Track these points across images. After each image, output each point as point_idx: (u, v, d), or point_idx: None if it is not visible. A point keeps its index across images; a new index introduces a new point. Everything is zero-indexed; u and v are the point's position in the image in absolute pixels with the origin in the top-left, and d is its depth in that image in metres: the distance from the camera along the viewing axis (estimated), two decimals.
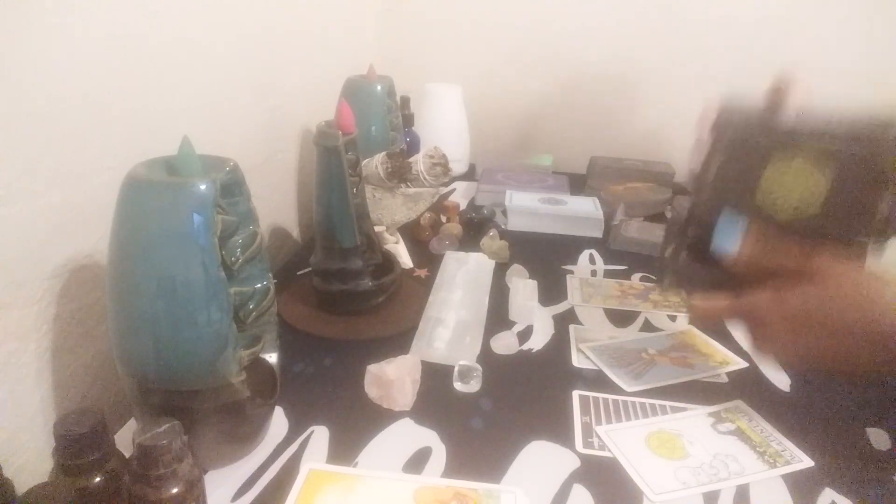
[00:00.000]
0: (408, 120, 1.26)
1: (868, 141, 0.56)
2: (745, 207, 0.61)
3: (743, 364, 0.73)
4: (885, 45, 1.34)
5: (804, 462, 0.57)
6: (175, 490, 0.40)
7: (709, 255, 0.62)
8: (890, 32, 1.33)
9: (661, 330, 0.80)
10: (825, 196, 0.58)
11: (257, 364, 0.55)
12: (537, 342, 0.76)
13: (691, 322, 0.71)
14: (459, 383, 0.66)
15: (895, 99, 0.55)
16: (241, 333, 0.50)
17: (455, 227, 1.05)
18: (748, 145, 0.60)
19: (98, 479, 0.42)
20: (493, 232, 1.03)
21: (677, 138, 1.49)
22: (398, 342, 0.73)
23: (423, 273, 0.92)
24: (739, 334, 0.71)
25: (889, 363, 0.52)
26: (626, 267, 0.98)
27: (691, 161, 0.65)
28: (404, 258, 0.93)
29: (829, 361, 0.55)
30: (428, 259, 0.96)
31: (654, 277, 0.95)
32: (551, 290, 0.89)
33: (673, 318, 0.83)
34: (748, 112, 0.61)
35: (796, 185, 0.59)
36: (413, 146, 1.23)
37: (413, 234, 1.02)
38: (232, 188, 0.50)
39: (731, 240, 0.61)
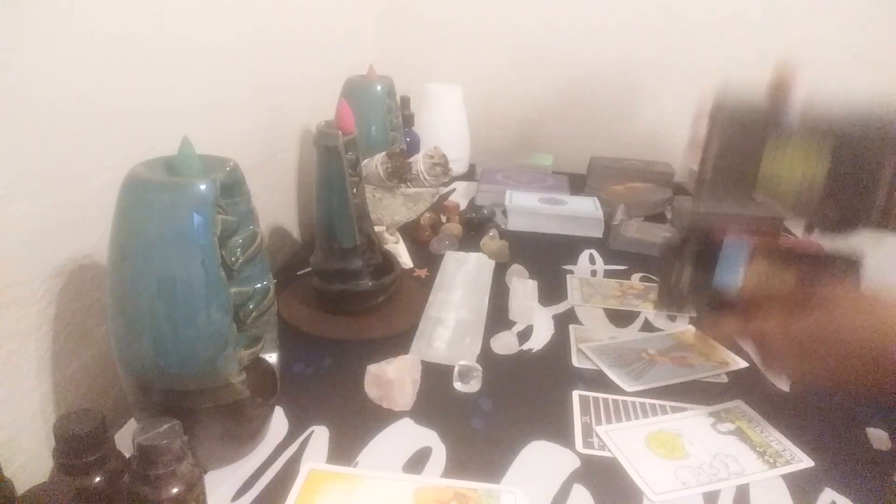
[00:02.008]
0: (408, 120, 1.26)
1: (864, 122, 0.57)
2: (746, 198, 0.61)
3: (743, 364, 0.73)
4: (886, 51, 1.34)
5: (804, 462, 0.57)
6: (175, 490, 0.40)
7: (711, 280, 0.63)
8: (890, 37, 1.33)
9: (661, 330, 0.80)
10: (825, 180, 0.58)
11: (257, 364, 0.55)
12: (537, 342, 0.76)
13: (696, 341, 0.72)
14: (459, 383, 0.66)
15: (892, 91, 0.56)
16: (241, 333, 0.50)
17: (455, 227, 1.05)
18: (744, 134, 0.60)
19: (98, 479, 0.42)
20: (493, 232, 1.03)
21: (677, 138, 1.49)
22: (398, 342, 0.72)
23: (423, 273, 0.92)
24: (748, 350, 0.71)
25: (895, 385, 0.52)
26: (626, 267, 0.98)
27: (688, 155, 0.64)
28: (404, 258, 0.93)
29: (837, 384, 0.55)
30: (428, 259, 0.96)
31: (654, 278, 0.95)
32: (551, 290, 0.88)
33: (673, 318, 0.83)
34: (743, 101, 0.61)
35: (795, 171, 0.59)
36: (413, 146, 1.23)
37: (413, 234, 1.02)
38: (232, 188, 0.50)
39: (733, 272, 0.61)
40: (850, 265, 0.62)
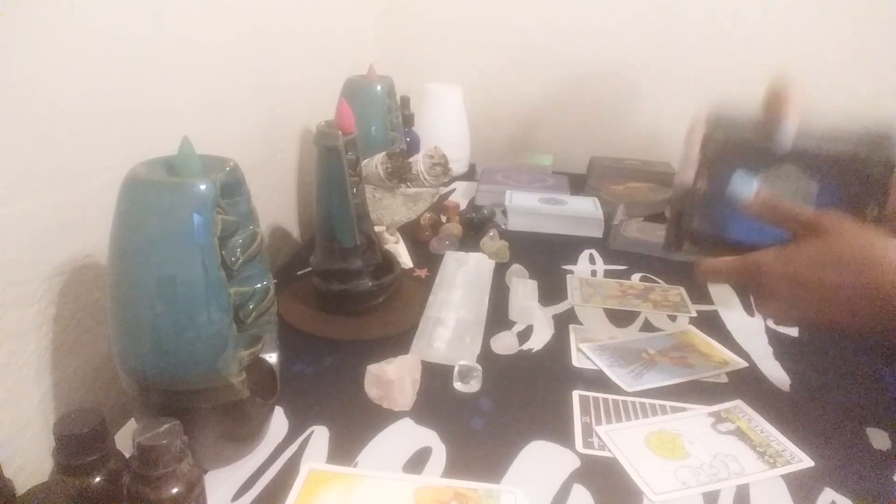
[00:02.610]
0: (408, 120, 1.26)
1: (855, 146, 0.57)
2: (740, 214, 0.61)
3: (743, 364, 0.73)
4: (884, 44, 1.34)
5: (804, 462, 0.57)
6: (175, 490, 0.40)
7: (719, 217, 0.63)
8: (888, 31, 1.33)
9: (661, 330, 0.80)
10: (816, 199, 0.58)
11: (257, 364, 0.55)
12: (537, 342, 0.76)
13: (699, 280, 0.68)
14: (459, 383, 0.66)
15: (889, 106, 0.56)
16: (241, 333, 0.50)
17: (455, 227, 1.05)
18: (737, 154, 0.61)
19: (98, 479, 0.42)
20: (493, 232, 1.03)
21: (677, 138, 1.49)
22: (398, 342, 0.72)
23: (423, 273, 0.92)
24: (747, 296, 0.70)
25: (889, 321, 0.52)
26: (626, 267, 0.98)
27: (680, 171, 0.65)
28: (404, 258, 0.93)
29: (828, 319, 0.55)
30: (428, 259, 0.96)
31: (654, 278, 0.95)
32: (551, 290, 0.88)
33: (673, 318, 0.83)
34: (737, 123, 0.61)
35: (787, 190, 0.59)
36: (413, 146, 1.23)
37: (413, 234, 1.02)
38: (232, 188, 0.50)
39: (745, 189, 0.61)
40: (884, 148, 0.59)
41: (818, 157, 0.58)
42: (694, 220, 0.64)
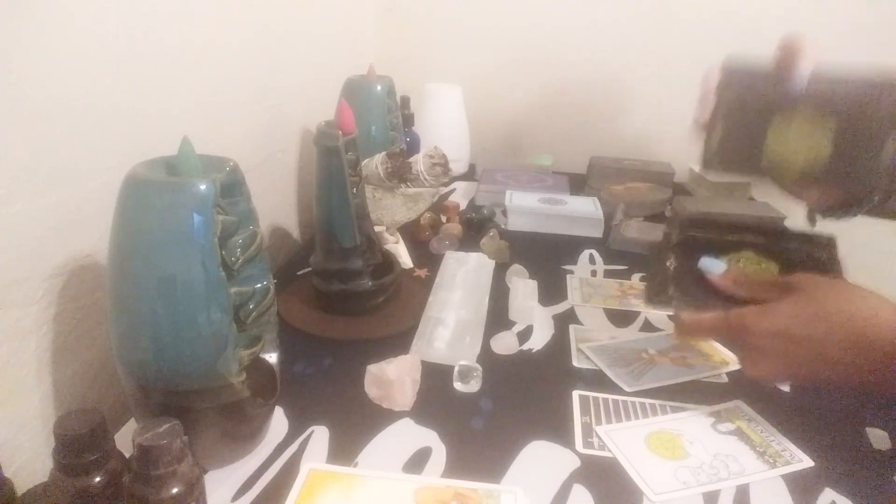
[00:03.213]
0: (408, 120, 1.26)
1: (867, 95, 0.56)
2: (751, 172, 0.61)
3: None
4: (884, 46, 1.34)
5: (804, 462, 0.57)
6: (175, 490, 0.40)
7: (696, 273, 0.64)
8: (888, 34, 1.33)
9: (661, 330, 0.80)
10: (829, 155, 0.58)
11: (257, 364, 0.55)
12: (537, 342, 0.76)
13: (678, 336, 0.71)
14: (459, 383, 0.66)
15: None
16: (241, 333, 0.50)
17: (455, 227, 1.05)
18: (750, 107, 0.60)
19: (98, 479, 0.42)
20: (493, 232, 1.03)
21: (677, 138, 1.49)
22: (398, 342, 0.72)
23: (423, 273, 0.92)
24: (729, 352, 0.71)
25: (875, 372, 0.52)
26: (626, 267, 0.98)
27: (692, 134, 0.64)
28: (404, 258, 0.93)
29: (820, 374, 0.55)
30: (428, 259, 0.96)
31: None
32: (551, 290, 0.89)
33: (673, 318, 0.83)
34: (751, 73, 0.61)
35: (800, 146, 0.59)
36: (413, 146, 1.23)
37: (413, 234, 1.02)
38: (232, 188, 0.50)
39: (713, 269, 0.63)
40: (826, 245, 0.64)
41: (829, 121, 0.58)
42: (669, 289, 0.64)
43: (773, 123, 0.59)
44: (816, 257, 0.64)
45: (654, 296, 0.66)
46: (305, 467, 0.54)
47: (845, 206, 0.60)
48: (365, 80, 1.08)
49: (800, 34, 0.58)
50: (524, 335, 0.77)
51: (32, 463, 0.54)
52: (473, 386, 0.66)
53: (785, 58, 0.58)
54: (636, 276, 0.95)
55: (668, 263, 0.66)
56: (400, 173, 0.92)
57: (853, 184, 0.58)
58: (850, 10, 1.34)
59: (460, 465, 0.55)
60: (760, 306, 0.57)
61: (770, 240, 0.66)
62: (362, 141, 0.77)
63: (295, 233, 1.12)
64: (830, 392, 0.68)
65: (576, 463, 0.56)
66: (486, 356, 0.72)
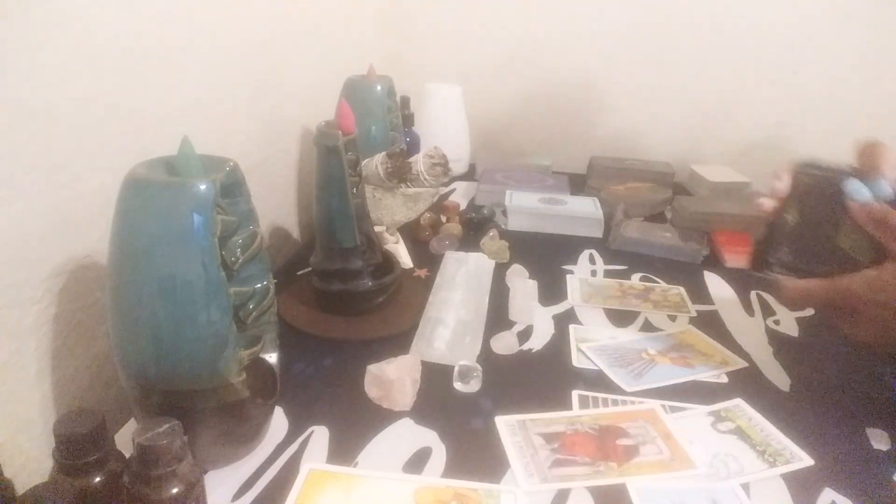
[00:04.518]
0: (408, 120, 1.26)
1: None
2: (828, 249, 0.62)
3: (743, 364, 0.73)
4: (877, 49, 1.34)
5: (804, 461, 0.57)
6: (175, 490, 0.40)
7: (807, 250, 0.63)
8: (879, 38, 1.33)
9: (661, 330, 0.80)
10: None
11: (257, 364, 0.55)
12: (537, 342, 0.76)
13: (784, 304, 0.67)
14: (459, 383, 0.66)
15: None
16: (241, 333, 0.50)
17: (455, 227, 1.05)
18: (822, 204, 0.61)
19: (98, 479, 0.42)
20: (493, 232, 1.03)
21: (677, 138, 1.49)
22: (398, 342, 0.72)
23: (423, 273, 0.92)
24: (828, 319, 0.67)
25: None
26: (626, 267, 0.98)
27: (761, 201, 0.65)
28: (404, 258, 0.93)
29: None
30: (428, 259, 0.96)
31: (654, 278, 0.95)
32: (551, 290, 0.89)
33: (673, 318, 0.83)
34: (824, 170, 0.62)
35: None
36: (413, 146, 1.23)
37: (413, 234, 1.02)
38: (232, 188, 0.50)
39: (857, 195, 0.60)
40: None
41: None
42: (781, 251, 0.64)
43: (842, 224, 0.61)
44: None
45: (763, 259, 0.65)
46: (305, 467, 0.54)
47: None
48: (365, 80, 1.08)
49: (878, 140, 0.59)
50: (524, 335, 0.77)
51: (32, 463, 0.54)
52: (473, 386, 0.66)
53: (867, 161, 0.59)
54: (636, 276, 0.95)
55: (787, 215, 0.63)
56: (400, 173, 0.92)
57: None
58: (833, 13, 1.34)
59: (460, 465, 0.55)
60: (868, 275, 0.57)
61: None
62: (362, 141, 0.77)
63: (295, 233, 1.12)
64: (830, 392, 0.69)
65: None
66: (486, 356, 0.72)
